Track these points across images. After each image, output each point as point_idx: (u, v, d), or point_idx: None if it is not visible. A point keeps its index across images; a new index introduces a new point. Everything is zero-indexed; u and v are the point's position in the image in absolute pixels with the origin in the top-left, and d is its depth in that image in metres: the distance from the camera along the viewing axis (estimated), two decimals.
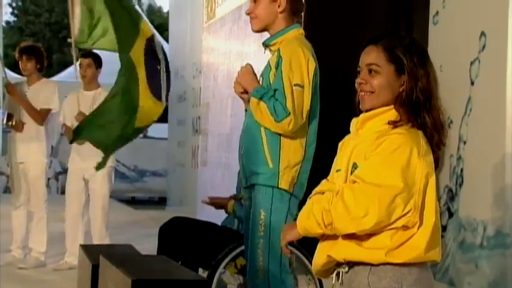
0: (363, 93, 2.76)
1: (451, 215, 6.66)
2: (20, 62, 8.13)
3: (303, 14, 4.03)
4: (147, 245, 5.26)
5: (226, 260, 4.85)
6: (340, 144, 2.90)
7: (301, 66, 3.72)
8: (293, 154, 3.81)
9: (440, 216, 6.77)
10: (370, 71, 2.74)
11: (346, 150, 2.80)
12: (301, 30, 3.88)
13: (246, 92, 3.83)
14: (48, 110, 7.97)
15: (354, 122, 2.83)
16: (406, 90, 2.70)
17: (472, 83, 6.46)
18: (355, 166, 2.69)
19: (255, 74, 3.85)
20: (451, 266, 6.59)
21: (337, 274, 2.75)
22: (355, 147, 2.74)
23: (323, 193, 2.71)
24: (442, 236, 6.68)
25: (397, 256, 2.62)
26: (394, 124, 2.69)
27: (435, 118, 2.77)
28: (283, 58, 3.73)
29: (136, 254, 4.45)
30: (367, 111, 2.77)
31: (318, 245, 2.79)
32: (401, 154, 2.60)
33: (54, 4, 30.80)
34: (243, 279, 4.72)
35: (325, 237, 2.74)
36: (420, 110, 2.71)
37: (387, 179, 2.56)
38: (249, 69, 3.83)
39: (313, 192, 2.83)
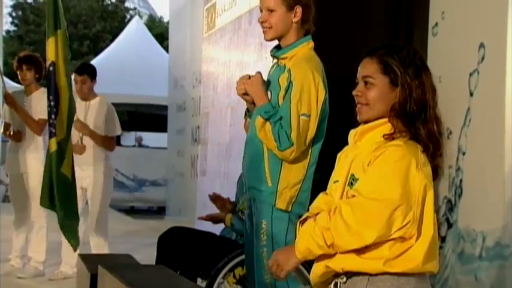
0: (360, 105, 2.77)
1: (450, 225, 6.66)
2: (19, 72, 8.13)
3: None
4: (146, 255, 5.26)
5: (225, 269, 4.85)
6: (338, 155, 2.90)
7: (310, 95, 3.72)
8: (294, 174, 3.81)
9: (440, 227, 6.83)
10: (365, 83, 2.76)
11: (345, 161, 2.80)
12: (312, 44, 3.87)
13: (245, 94, 3.83)
14: (46, 120, 7.92)
15: (352, 134, 2.83)
16: (399, 101, 2.69)
17: (471, 94, 6.47)
18: (353, 178, 2.70)
19: (265, 85, 3.83)
20: (451, 276, 6.59)
21: (335, 285, 2.75)
22: (354, 159, 2.75)
23: (316, 215, 2.71)
24: (441, 247, 6.70)
25: (395, 266, 2.63)
26: (389, 137, 2.69)
27: (430, 130, 2.76)
28: (294, 84, 3.72)
29: (135, 264, 4.45)
30: (365, 122, 2.78)
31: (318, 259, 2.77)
32: (400, 167, 2.60)
33: None
34: None
35: None
36: (415, 121, 2.71)
37: (385, 192, 2.56)
38: (259, 79, 3.81)
39: (304, 215, 2.83)
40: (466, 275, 6.38)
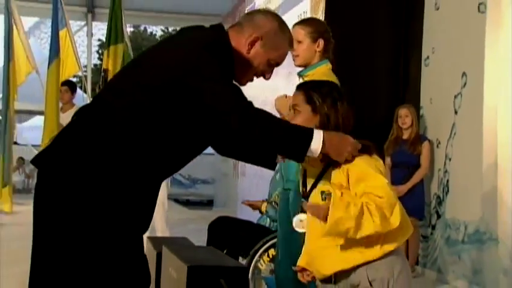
0: None
1: (439, 216, 6.61)
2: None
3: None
4: (199, 238, 5.28)
5: (261, 250, 4.87)
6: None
7: None
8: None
9: (430, 218, 6.77)
10: (294, 110, 2.73)
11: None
12: (330, 65, 3.84)
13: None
14: None
15: None
16: (320, 125, 2.63)
17: (456, 113, 6.45)
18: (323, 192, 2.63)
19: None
20: (439, 257, 6.53)
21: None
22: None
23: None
24: (432, 234, 6.65)
25: (387, 247, 2.55)
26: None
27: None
28: None
29: (190, 245, 4.46)
30: None
31: (318, 261, 2.68)
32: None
33: None
34: (274, 266, 4.71)
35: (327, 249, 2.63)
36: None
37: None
38: (284, 99, 3.81)
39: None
40: (452, 256, 6.34)
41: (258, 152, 2.74)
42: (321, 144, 2.46)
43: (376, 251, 2.55)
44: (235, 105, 2.51)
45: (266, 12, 2.83)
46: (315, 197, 2.65)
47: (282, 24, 2.75)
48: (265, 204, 5.60)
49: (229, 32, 2.69)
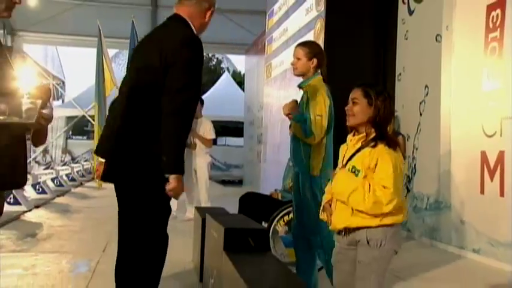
0: (348, 116, 2.69)
1: (408, 191, 6.59)
2: None
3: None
4: (232, 208, 5.28)
5: (278, 217, 4.81)
6: (341, 148, 2.78)
7: (321, 103, 3.63)
8: (318, 153, 3.72)
9: (402, 192, 6.73)
10: (353, 102, 2.67)
11: (347, 154, 2.67)
12: (321, 77, 3.79)
13: (288, 114, 3.78)
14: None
15: (349, 138, 2.71)
16: (373, 115, 2.59)
17: (421, 115, 6.41)
18: (354, 168, 2.56)
19: (298, 105, 3.79)
20: (409, 220, 6.53)
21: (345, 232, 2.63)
22: (353, 155, 2.63)
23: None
24: None
25: (386, 220, 2.53)
26: (374, 141, 2.58)
27: (391, 137, 2.65)
28: (310, 99, 3.68)
29: (226, 213, 4.45)
30: (351, 127, 2.69)
31: (335, 213, 2.64)
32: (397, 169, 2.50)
33: None
34: (288, 228, 4.68)
35: (340, 208, 2.60)
36: (382, 127, 2.61)
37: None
38: (294, 102, 3.77)
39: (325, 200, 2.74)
40: (417, 219, 6.32)
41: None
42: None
43: (376, 222, 2.51)
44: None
45: None
46: (347, 168, 2.62)
47: None
48: (279, 194, 5.54)
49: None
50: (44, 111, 2.24)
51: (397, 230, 2.60)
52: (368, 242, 2.53)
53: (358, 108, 2.63)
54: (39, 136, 2.37)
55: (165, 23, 2.94)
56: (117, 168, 2.75)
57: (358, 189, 2.47)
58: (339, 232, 2.65)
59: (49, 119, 2.29)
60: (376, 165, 2.50)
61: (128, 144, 2.70)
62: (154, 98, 2.64)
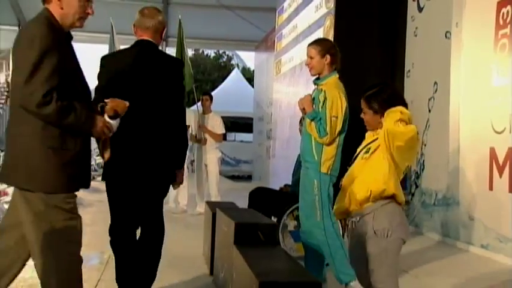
0: (365, 123, 2.76)
1: (417, 186, 6.58)
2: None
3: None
4: (242, 203, 5.30)
5: (288, 211, 4.83)
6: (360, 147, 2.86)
7: (337, 105, 3.62)
8: (329, 152, 3.71)
9: (411, 188, 6.71)
10: (364, 112, 2.75)
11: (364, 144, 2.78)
12: (337, 75, 3.78)
13: (304, 108, 3.77)
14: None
15: (368, 135, 2.81)
16: (381, 120, 2.66)
17: (430, 111, 6.39)
18: (368, 148, 2.68)
19: (313, 101, 3.79)
20: (417, 216, 6.52)
21: (352, 223, 2.69)
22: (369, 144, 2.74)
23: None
24: (411, 199, 6.62)
25: (395, 197, 2.61)
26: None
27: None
28: (328, 99, 3.66)
29: (236, 208, 4.47)
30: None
31: (354, 185, 2.68)
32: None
33: None
34: (297, 223, 4.70)
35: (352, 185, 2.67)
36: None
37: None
38: (309, 97, 3.77)
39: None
40: (426, 215, 6.31)
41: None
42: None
43: (380, 190, 2.58)
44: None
45: None
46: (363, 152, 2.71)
47: None
48: (289, 189, 5.55)
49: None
50: (112, 121, 2.47)
51: (403, 219, 2.65)
52: (375, 232, 2.56)
53: (368, 117, 2.73)
54: (104, 146, 2.55)
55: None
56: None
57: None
58: (344, 220, 2.75)
59: (111, 129, 2.49)
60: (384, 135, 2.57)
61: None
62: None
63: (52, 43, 2.30)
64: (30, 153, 2.32)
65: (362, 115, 2.74)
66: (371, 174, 2.60)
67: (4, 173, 2.42)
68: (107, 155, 2.56)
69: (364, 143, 2.76)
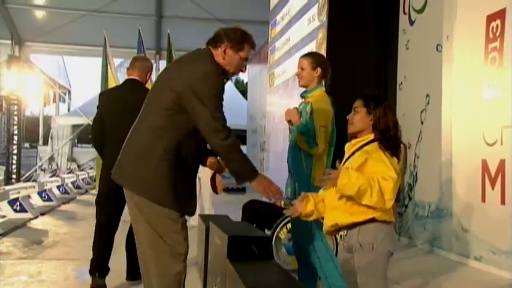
0: (348, 124, 2.72)
1: (410, 198, 6.58)
2: None
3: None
4: (236, 215, 5.26)
5: (281, 224, 4.80)
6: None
7: (325, 115, 3.63)
8: (319, 164, 3.71)
9: (404, 200, 6.70)
10: (354, 111, 2.69)
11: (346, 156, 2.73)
12: (323, 89, 3.78)
13: (289, 120, 3.75)
14: None
15: (347, 145, 2.74)
16: (373, 123, 2.63)
17: (422, 123, 6.41)
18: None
19: (299, 113, 3.77)
20: (410, 227, 6.52)
21: (340, 236, 2.68)
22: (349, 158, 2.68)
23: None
24: (405, 211, 6.62)
25: (379, 217, 2.53)
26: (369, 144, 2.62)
27: (393, 139, 2.66)
28: (314, 110, 3.66)
29: (230, 221, 4.44)
30: (350, 135, 2.72)
31: (326, 215, 2.69)
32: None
33: None
34: (290, 236, 4.66)
35: (330, 207, 2.65)
36: (384, 132, 2.63)
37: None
38: (295, 110, 3.75)
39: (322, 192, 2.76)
40: (419, 227, 6.31)
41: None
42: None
43: (363, 217, 2.53)
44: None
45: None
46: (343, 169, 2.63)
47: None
48: (283, 203, 5.52)
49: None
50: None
51: (389, 230, 2.59)
52: (361, 245, 2.54)
53: (358, 117, 2.66)
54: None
55: None
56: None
57: (364, 184, 2.45)
58: (332, 232, 2.68)
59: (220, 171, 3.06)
60: (366, 161, 2.51)
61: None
62: None
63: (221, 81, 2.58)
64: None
65: (350, 115, 2.69)
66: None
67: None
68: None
69: (344, 158, 2.73)
